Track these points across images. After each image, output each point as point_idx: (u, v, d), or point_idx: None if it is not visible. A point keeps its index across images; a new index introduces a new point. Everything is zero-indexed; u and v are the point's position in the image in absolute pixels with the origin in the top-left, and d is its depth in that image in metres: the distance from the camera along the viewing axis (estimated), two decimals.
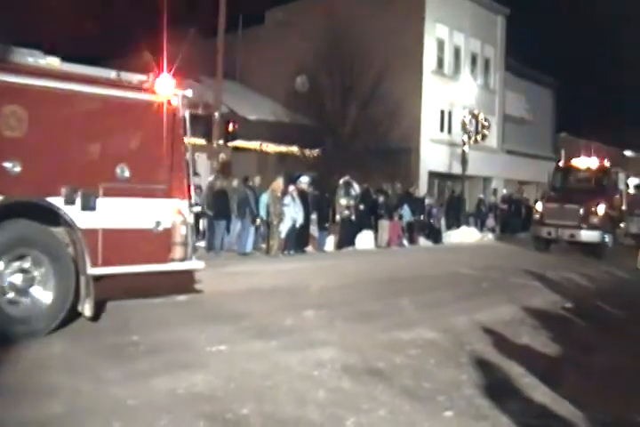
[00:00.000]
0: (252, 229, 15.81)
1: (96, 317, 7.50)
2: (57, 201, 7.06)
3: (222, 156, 19.95)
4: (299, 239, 16.48)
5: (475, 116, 29.12)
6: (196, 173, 15.47)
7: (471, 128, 28.75)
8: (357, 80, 25.24)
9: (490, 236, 25.92)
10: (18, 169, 6.81)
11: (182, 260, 8.22)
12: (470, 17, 31.97)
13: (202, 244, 15.34)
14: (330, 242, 17.98)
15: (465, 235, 24.22)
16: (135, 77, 8.22)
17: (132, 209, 7.78)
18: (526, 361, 6.88)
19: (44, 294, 7.05)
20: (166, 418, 4.87)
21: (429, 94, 29.42)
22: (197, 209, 9.30)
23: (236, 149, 22.85)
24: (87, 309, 7.15)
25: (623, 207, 21.54)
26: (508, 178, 34.07)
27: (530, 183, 34.11)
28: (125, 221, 7.69)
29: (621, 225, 21.37)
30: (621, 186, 21.70)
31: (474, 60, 33.23)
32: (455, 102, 30.19)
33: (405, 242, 20.58)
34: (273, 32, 33.63)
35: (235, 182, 16.16)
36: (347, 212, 17.83)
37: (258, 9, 35.08)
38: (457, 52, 32.01)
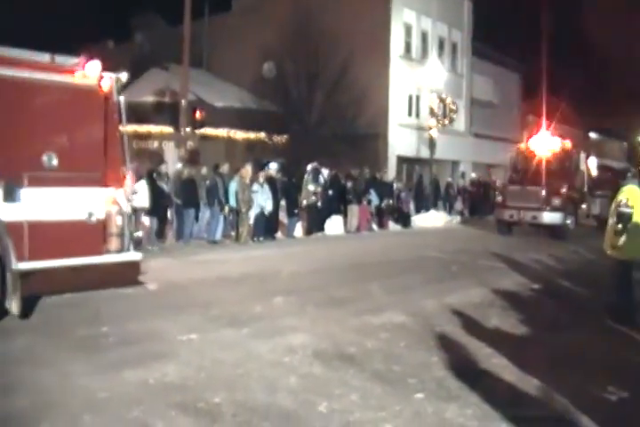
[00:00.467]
0: (222, 217, 15.74)
1: (26, 313, 7.19)
2: None
3: (190, 144, 19.80)
4: (268, 226, 16.44)
5: (442, 101, 29.20)
6: (163, 162, 15.39)
7: (439, 112, 28.82)
8: (324, 66, 25.11)
9: (458, 218, 26.05)
10: None
11: (119, 251, 7.90)
12: (437, 1, 31.93)
13: (170, 232, 15.34)
14: (299, 228, 17.98)
15: (434, 219, 24.36)
16: (70, 61, 7.78)
17: (61, 199, 7.34)
18: (495, 342, 6.99)
19: None
20: (137, 409, 4.86)
21: (397, 79, 29.40)
22: (133, 199, 8.86)
23: (204, 136, 22.71)
24: (14, 306, 6.75)
25: (584, 189, 21.42)
26: (477, 161, 34.28)
27: (498, 166, 34.29)
28: (54, 212, 7.26)
29: (583, 206, 21.25)
30: (582, 167, 21.60)
31: (441, 44, 33.24)
32: (423, 87, 30.21)
33: (375, 226, 20.65)
34: (240, 19, 33.28)
35: (203, 170, 16.05)
36: (313, 198, 17.79)
37: None
38: (424, 36, 31.98)
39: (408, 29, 30.81)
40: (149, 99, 24.52)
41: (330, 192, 18.66)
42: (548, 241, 18.56)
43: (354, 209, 19.40)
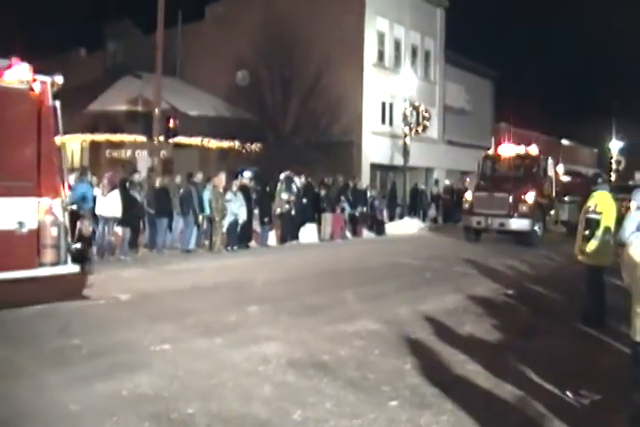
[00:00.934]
0: (195, 226, 15.66)
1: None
2: None
3: (163, 152, 19.72)
4: (242, 235, 16.39)
5: (415, 108, 29.39)
6: (136, 171, 15.29)
7: (412, 120, 29.00)
8: (298, 74, 25.20)
9: (424, 225, 25.83)
10: None
11: (54, 264, 7.54)
12: (410, 10, 32.19)
13: (144, 242, 15.24)
14: (273, 237, 17.94)
15: (407, 226, 24.45)
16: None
17: None
18: (469, 348, 7.04)
19: None
20: (110, 422, 4.82)
21: (370, 87, 29.55)
22: (72, 208, 8.51)
23: (178, 145, 22.64)
24: None
25: (553, 195, 21.17)
26: (450, 168, 34.50)
27: (471, 173, 34.53)
28: None
29: (551, 213, 20.98)
30: (550, 173, 21.30)
31: (414, 52, 33.47)
32: (396, 94, 30.37)
33: (348, 234, 20.66)
34: (213, 27, 33.32)
35: (177, 179, 15.97)
36: (287, 206, 17.77)
37: (198, 4, 34.78)
38: (397, 44, 32.20)
39: (381, 38, 31.00)
40: (122, 107, 24.38)
41: (304, 200, 18.65)
42: (519, 247, 18.67)
43: (327, 217, 19.41)
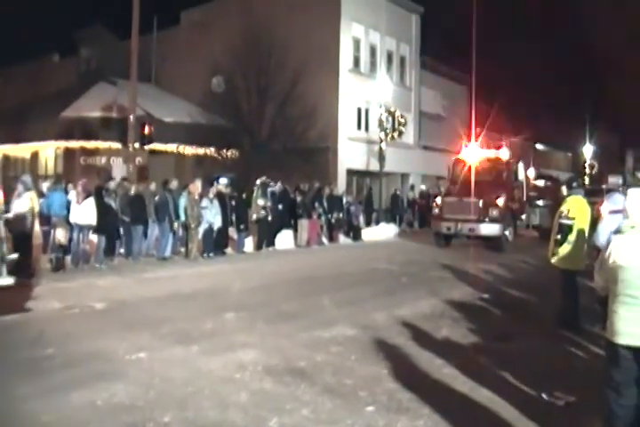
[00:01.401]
0: (171, 234, 15.57)
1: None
2: None
3: (139, 159, 19.59)
4: (217, 241, 16.33)
5: (391, 114, 29.47)
6: (111, 178, 15.17)
7: (388, 125, 29.05)
8: (274, 80, 25.20)
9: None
10: None
11: None
12: (385, 16, 32.34)
13: (121, 250, 15.13)
14: (249, 243, 17.90)
15: (384, 231, 24.52)
16: None
17: None
18: (446, 353, 7.07)
19: None
20: None
21: (346, 93, 29.64)
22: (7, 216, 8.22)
23: (153, 152, 22.48)
24: None
25: (524, 199, 20.90)
26: (426, 173, 34.64)
27: (446, 178, 34.79)
28: None
29: (523, 217, 20.79)
30: (521, 177, 21.01)
31: (390, 58, 33.63)
32: (372, 100, 30.48)
33: (325, 240, 20.67)
34: (188, 33, 33.26)
35: (152, 186, 15.86)
36: (263, 212, 17.73)
37: (173, 10, 34.69)
38: (373, 50, 32.33)
39: (357, 43, 31.11)
40: (97, 114, 24.16)
41: (280, 206, 18.62)
42: (493, 252, 18.67)
43: (303, 223, 19.40)
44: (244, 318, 8.79)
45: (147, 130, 19.21)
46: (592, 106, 49.77)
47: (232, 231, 17.36)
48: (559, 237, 8.56)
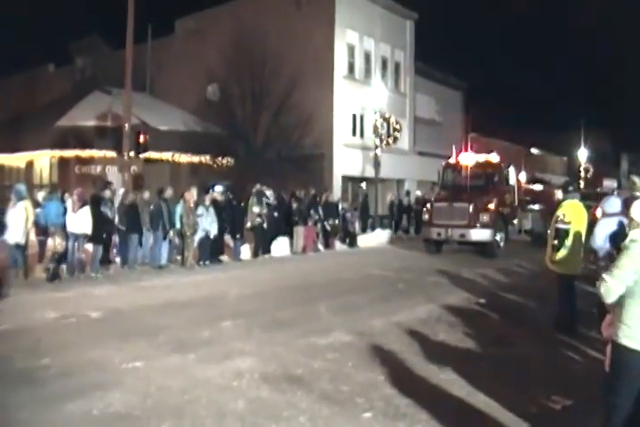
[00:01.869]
0: (166, 242, 15.54)
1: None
2: None
3: (134, 168, 19.57)
4: (213, 249, 16.32)
5: (386, 120, 29.48)
6: (107, 187, 15.15)
7: (383, 131, 29.06)
8: (269, 87, 25.22)
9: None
10: None
11: None
12: (380, 22, 32.40)
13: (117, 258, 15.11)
14: (245, 250, 17.88)
15: (380, 237, 24.52)
16: None
17: None
18: (443, 358, 7.07)
19: None
20: None
21: (341, 99, 29.70)
22: None
23: (148, 160, 22.47)
24: None
25: (515, 203, 20.48)
26: (421, 179, 34.64)
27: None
28: None
29: (514, 222, 20.41)
30: (512, 181, 20.54)
31: (384, 64, 33.70)
32: (367, 106, 30.53)
33: (321, 247, 20.66)
34: (183, 41, 33.35)
35: (146, 195, 15.83)
36: (258, 219, 17.72)
37: (167, 19, 34.78)
38: (367, 56, 32.41)
39: (351, 50, 31.20)
40: (91, 123, 24.15)
41: (275, 214, 18.59)
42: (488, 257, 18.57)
43: (299, 230, 19.39)
44: (240, 326, 8.77)
45: (142, 138, 19.23)
46: (587, 109, 49.98)
47: (228, 239, 17.34)
48: (556, 242, 8.56)
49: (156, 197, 15.83)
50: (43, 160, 25.54)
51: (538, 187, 24.27)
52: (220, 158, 25.74)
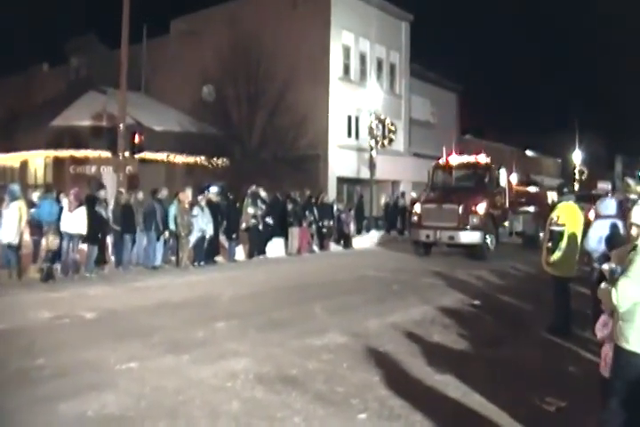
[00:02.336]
0: (161, 242, 15.51)
1: None
2: None
3: (129, 168, 19.53)
4: (208, 250, 16.31)
5: (381, 121, 29.47)
6: (102, 187, 15.14)
7: (378, 133, 29.05)
8: (264, 88, 25.23)
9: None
10: None
11: None
12: (375, 23, 32.42)
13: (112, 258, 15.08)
14: (240, 251, 17.87)
15: (374, 239, 24.54)
16: None
17: None
18: (438, 359, 7.07)
19: None
20: None
21: (336, 101, 29.71)
22: None
23: (143, 160, 22.43)
24: None
25: (506, 205, 20.11)
26: (416, 180, 34.63)
27: None
28: None
29: (505, 224, 20.06)
30: (503, 183, 20.12)
31: (379, 65, 33.71)
32: (362, 108, 30.53)
33: (316, 248, 20.66)
34: (178, 42, 33.31)
35: (140, 195, 15.78)
36: (253, 220, 17.71)
37: (162, 19, 34.74)
38: (363, 58, 32.43)
39: (347, 51, 31.20)
40: (86, 123, 24.12)
41: (270, 220, 18.50)
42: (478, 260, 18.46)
43: (294, 231, 19.38)
44: (235, 327, 8.76)
45: (137, 139, 19.20)
46: (581, 111, 50.16)
47: (223, 240, 17.33)
48: (550, 244, 8.58)
49: (150, 198, 15.80)
50: (37, 160, 25.47)
51: (530, 189, 24.14)
52: (215, 159, 25.73)
